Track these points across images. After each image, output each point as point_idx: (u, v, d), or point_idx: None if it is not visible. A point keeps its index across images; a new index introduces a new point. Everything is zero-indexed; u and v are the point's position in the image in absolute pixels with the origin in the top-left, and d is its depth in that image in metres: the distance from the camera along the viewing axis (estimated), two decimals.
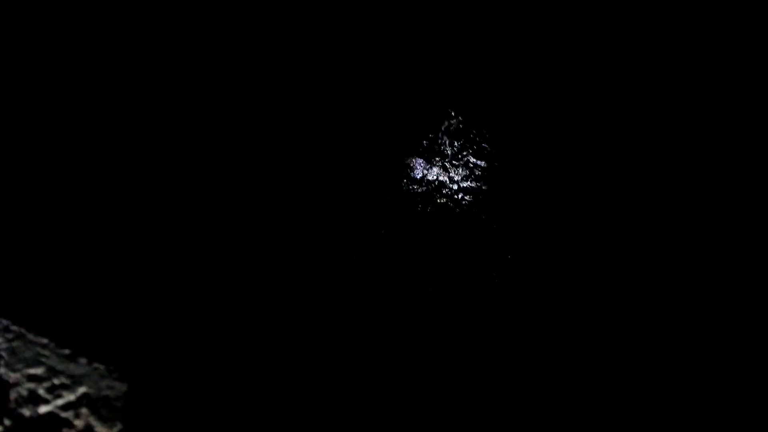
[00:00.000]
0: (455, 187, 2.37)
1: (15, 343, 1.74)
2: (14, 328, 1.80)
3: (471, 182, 2.38)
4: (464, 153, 2.40)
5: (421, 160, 2.41)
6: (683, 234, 2.26)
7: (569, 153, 2.39)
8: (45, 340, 1.77)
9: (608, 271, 2.24)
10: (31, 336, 1.78)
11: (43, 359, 1.71)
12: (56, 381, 1.66)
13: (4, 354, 1.67)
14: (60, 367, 1.71)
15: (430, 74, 2.51)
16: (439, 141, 2.45)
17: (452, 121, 2.46)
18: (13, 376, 1.62)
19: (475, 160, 2.40)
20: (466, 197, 2.35)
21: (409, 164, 2.40)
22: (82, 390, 1.69)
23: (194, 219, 2.27)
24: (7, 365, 1.64)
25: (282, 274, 2.24)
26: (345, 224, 2.33)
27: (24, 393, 1.60)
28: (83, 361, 1.79)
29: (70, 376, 1.71)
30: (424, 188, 2.36)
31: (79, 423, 1.60)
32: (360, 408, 1.99)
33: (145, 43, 2.39)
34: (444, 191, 2.36)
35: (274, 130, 2.40)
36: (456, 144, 2.43)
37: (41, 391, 1.60)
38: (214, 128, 2.38)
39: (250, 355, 2.02)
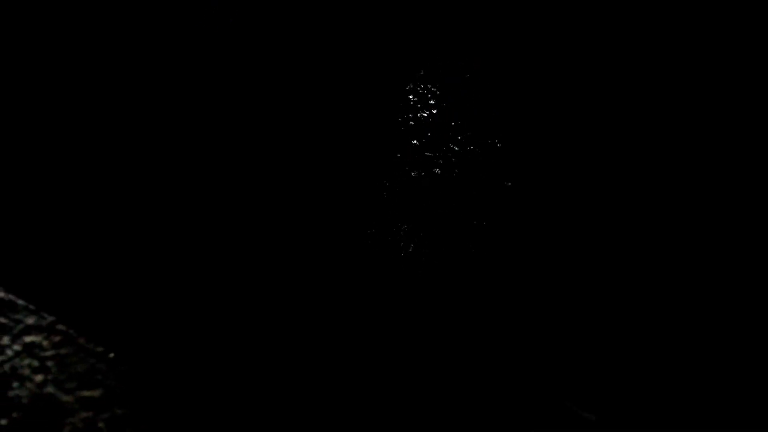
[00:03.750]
0: (455, 185, 2.27)
1: (63, 350, 1.29)
2: (61, 327, 1.34)
3: (470, 180, 2.26)
4: (464, 151, 2.27)
5: (422, 158, 2.32)
6: (690, 230, 2.07)
7: (568, 155, 2.20)
8: (100, 349, 1.31)
9: (609, 271, 2.11)
10: (82, 341, 1.33)
11: (100, 377, 1.24)
12: (119, 411, 1.18)
13: (51, 365, 1.22)
14: (120, 390, 1.23)
15: (430, 71, 2.33)
16: (440, 138, 2.32)
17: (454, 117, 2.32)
18: (65, 399, 1.16)
19: (475, 160, 2.27)
20: (466, 196, 2.25)
21: (408, 162, 2.31)
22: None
23: (193, 220, 2.33)
24: (57, 382, 1.19)
25: (282, 273, 2.29)
26: (345, 223, 2.32)
27: (79, 425, 1.12)
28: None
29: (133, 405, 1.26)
30: (424, 185, 2.28)
31: None
32: (360, 407, 2.07)
33: (132, 41, 2.37)
34: (443, 189, 2.27)
35: (271, 127, 2.37)
36: (458, 139, 2.30)
37: (101, 425, 1.12)
38: (213, 127, 2.37)
39: (250, 354, 2.11)
